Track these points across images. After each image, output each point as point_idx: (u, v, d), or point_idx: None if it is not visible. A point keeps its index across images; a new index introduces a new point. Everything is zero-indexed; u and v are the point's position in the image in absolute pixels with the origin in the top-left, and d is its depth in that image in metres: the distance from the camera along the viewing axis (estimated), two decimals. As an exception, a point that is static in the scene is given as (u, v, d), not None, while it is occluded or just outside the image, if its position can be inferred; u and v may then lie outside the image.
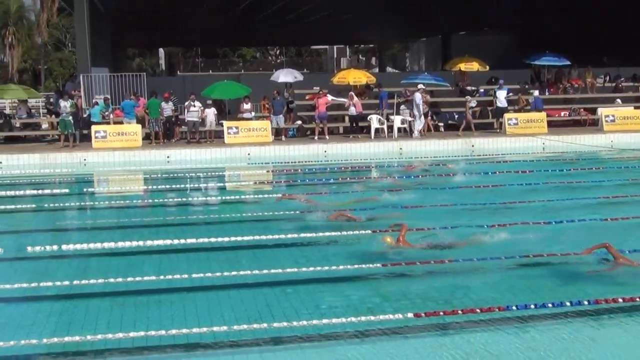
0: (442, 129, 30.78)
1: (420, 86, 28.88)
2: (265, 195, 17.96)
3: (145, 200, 17.98)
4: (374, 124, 28.44)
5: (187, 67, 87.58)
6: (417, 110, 28.04)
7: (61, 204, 17.46)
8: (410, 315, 8.25)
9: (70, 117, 26.32)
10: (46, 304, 9.34)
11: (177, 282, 9.87)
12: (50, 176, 22.58)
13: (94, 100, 28.61)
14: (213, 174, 22.81)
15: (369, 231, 12.51)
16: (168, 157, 25.18)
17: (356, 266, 10.44)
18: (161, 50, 73.66)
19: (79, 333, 7.95)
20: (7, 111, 34.11)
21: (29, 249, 11.89)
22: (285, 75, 31.02)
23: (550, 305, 8.51)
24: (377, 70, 65.48)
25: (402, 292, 9.48)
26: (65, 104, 26.32)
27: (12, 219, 15.65)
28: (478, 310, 8.36)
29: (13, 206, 16.56)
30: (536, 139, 27.69)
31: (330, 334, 7.91)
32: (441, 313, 8.32)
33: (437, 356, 7.33)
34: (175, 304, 9.10)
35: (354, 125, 29.03)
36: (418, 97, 28.00)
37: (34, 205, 17.12)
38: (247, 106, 28.62)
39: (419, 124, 28.14)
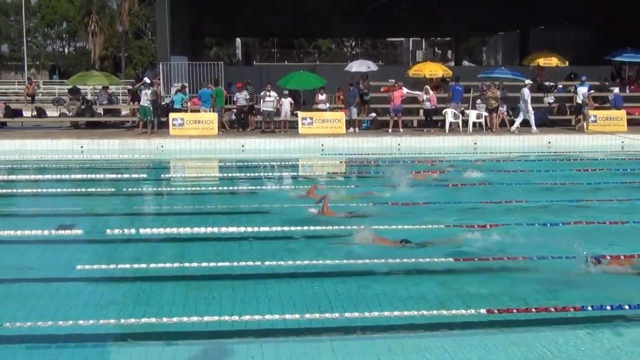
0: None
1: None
2: (336, 187, 17.96)
3: (220, 188, 18.22)
4: (449, 118, 28.27)
5: (262, 57, 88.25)
6: (524, 105, 27.87)
7: (138, 189, 17.87)
8: (482, 311, 8.23)
9: (150, 105, 26.87)
10: (124, 286, 9.64)
11: (249, 269, 10.04)
12: (128, 161, 23.11)
13: (174, 88, 29.10)
14: (286, 163, 22.97)
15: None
16: (243, 146, 25.48)
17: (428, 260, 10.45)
18: (238, 40, 74.31)
19: (154, 315, 8.20)
20: (89, 97, 34.95)
21: (108, 231, 12.24)
22: (359, 66, 31.05)
23: (627, 307, 8.38)
24: (453, 63, 64.87)
25: (478, 288, 9.40)
26: (146, 92, 26.89)
27: (92, 202, 16.08)
28: (552, 309, 8.29)
29: (93, 189, 17.02)
30: (615, 137, 27.13)
31: (400, 326, 7.96)
32: (514, 310, 8.27)
33: (508, 354, 7.32)
34: (249, 289, 9.25)
35: (429, 118, 28.88)
36: (526, 92, 27.85)
37: (113, 189, 17.56)
38: (322, 97, 28.74)
39: (521, 119, 27.97)
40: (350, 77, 30.00)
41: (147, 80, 28.02)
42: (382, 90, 30.50)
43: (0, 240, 11.93)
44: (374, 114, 30.01)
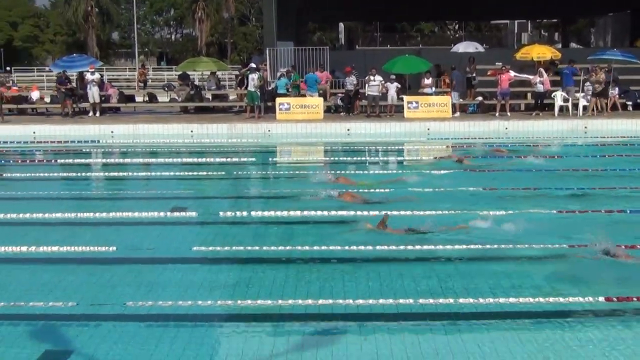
0: (630, 107, 29.42)
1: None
2: (441, 171, 17.80)
3: (325, 172, 18.25)
4: (558, 101, 27.60)
5: (365, 41, 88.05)
6: None
7: (247, 173, 18.15)
8: (601, 299, 8.04)
9: (257, 90, 27.22)
10: (237, 267, 9.83)
11: (360, 253, 10.08)
12: (236, 146, 23.50)
13: (279, 73, 29.40)
14: (392, 147, 22.89)
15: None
16: (348, 130, 25.55)
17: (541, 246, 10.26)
18: (341, 24, 74.34)
19: (268, 297, 8.34)
20: (197, 83, 35.67)
21: (221, 213, 12.50)
22: (465, 47, 30.71)
23: None
24: (560, 46, 63.18)
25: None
26: (253, 77, 27.25)
27: (204, 185, 16.43)
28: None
29: (204, 173, 17.40)
30: None
31: (511, 313, 7.88)
32: (634, 299, 8.06)
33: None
34: (359, 275, 9.29)
35: (539, 102, 28.25)
36: None
37: (223, 173, 17.90)
38: (427, 81, 28.51)
39: None
40: (457, 60, 29.62)
41: (252, 65, 28.39)
42: (488, 73, 30.02)
43: (120, 221, 12.35)
44: (480, 98, 29.59)
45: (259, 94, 27.32)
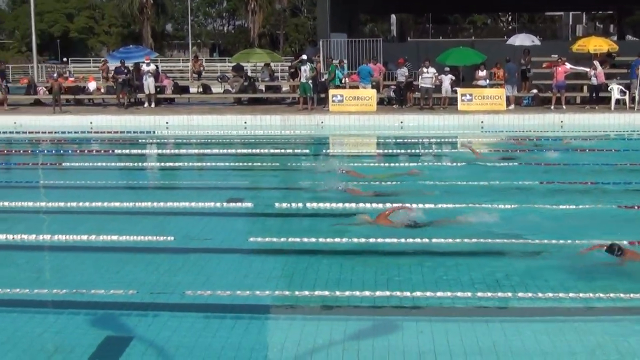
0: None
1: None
2: (496, 164, 17.64)
3: (379, 164, 18.21)
4: (615, 94, 27.12)
5: (417, 33, 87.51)
6: None
7: (300, 164, 18.17)
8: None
9: (310, 81, 27.27)
10: (293, 258, 9.89)
11: (414, 246, 10.06)
12: (289, 137, 23.57)
13: (333, 65, 29.36)
14: (445, 140, 22.71)
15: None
16: (401, 122, 25.44)
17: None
18: (393, 16, 73.97)
19: (324, 288, 8.37)
20: (250, 74, 35.81)
21: (277, 204, 12.57)
22: (522, 39, 30.28)
23: None
24: (615, 38, 62.06)
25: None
26: (305, 68, 27.31)
27: (258, 176, 16.50)
28: None
29: (259, 164, 17.52)
30: None
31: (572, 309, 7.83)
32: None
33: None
34: (414, 267, 9.27)
35: (594, 95, 27.80)
36: None
37: (277, 164, 17.98)
38: (482, 73, 28.25)
39: None
40: (511, 52, 29.27)
41: (304, 57, 28.44)
42: (544, 65, 29.61)
43: (177, 211, 12.48)
44: (535, 91, 29.22)
45: (311, 85, 27.35)
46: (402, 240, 10.23)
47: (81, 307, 7.97)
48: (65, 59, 51.16)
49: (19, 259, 10.19)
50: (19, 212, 12.91)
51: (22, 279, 9.06)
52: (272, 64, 34.78)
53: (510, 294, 8.13)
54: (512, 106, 27.44)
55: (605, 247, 9.19)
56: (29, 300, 8.24)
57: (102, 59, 40.97)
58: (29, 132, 24.65)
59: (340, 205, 12.54)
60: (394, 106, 28.26)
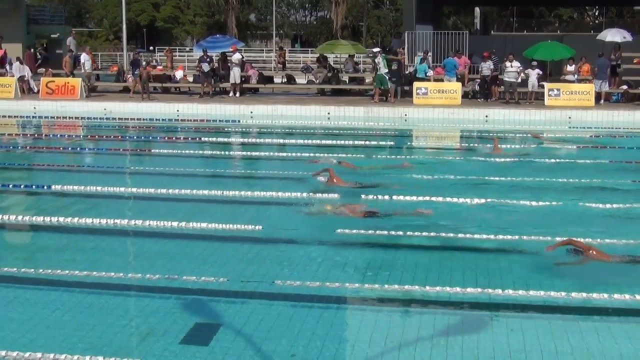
0: None
1: None
2: (580, 161, 17.26)
3: (463, 158, 18.01)
4: None
5: (500, 26, 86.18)
6: None
7: (384, 156, 18.08)
8: None
9: (386, 73, 27.14)
10: (380, 251, 9.83)
11: (504, 243, 9.92)
12: (372, 129, 23.50)
13: (418, 57, 29.22)
14: (527, 135, 22.24)
15: None
16: (486, 116, 25.12)
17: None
18: (477, 8, 73.04)
19: (412, 282, 8.35)
20: (333, 65, 35.87)
21: (362, 196, 12.56)
22: (613, 35, 29.46)
23: None
24: None
25: None
26: (378, 60, 27.25)
27: (338, 167, 16.38)
28: None
29: (343, 155, 17.50)
30: None
31: None
32: None
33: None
34: (505, 264, 9.14)
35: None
36: None
37: (362, 155, 17.94)
38: (570, 68, 27.72)
39: None
40: (600, 48, 28.58)
41: (377, 49, 28.34)
42: (635, 61, 28.86)
43: (263, 200, 12.58)
44: (625, 87, 28.47)
45: (387, 77, 27.19)
46: (492, 236, 10.09)
47: (172, 293, 8.11)
48: (151, 48, 52.11)
49: (111, 243, 10.44)
50: (109, 198, 13.23)
51: (115, 263, 9.28)
52: (355, 56, 34.76)
53: (606, 296, 7.95)
54: (602, 102, 26.80)
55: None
56: (122, 284, 8.42)
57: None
58: (118, 119, 25.20)
59: (427, 198, 12.47)
60: (479, 100, 27.93)
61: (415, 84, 27.30)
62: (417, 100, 26.85)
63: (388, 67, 27.15)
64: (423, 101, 26.69)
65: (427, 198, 12.44)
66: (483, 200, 12.34)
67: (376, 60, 27.58)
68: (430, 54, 29.72)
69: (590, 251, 9.21)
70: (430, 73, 28.71)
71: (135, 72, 28.62)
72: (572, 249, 9.31)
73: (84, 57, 29.44)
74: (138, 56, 30.92)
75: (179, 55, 55.58)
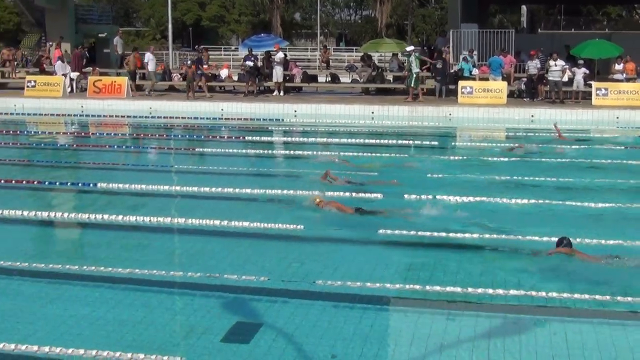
0: None
1: None
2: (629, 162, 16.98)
3: (508, 159, 17.78)
4: None
5: (547, 25, 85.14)
6: None
7: (429, 156, 17.94)
8: None
9: (416, 73, 27.09)
10: (422, 251, 9.80)
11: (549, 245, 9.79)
12: (416, 128, 23.39)
13: (462, 56, 29.03)
14: (576, 135, 21.94)
15: None
16: (532, 116, 24.82)
17: None
18: (524, 7, 72.28)
19: (455, 283, 8.28)
20: (377, 64, 35.74)
21: (406, 196, 12.52)
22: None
23: None
24: None
25: None
26: (411, 60, 27.21)
27: (382, 167, 16.29)
28: None
29: (386, 154, 17.48)
30: None
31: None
32: None
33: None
34: (548, 266, 9.02)
35: None
36: None
37: (405, 155, 17.87)
38: (618, 67, 27.26)
39: None
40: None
41: (408, 48, 28.25)
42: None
43: (305, 200, 12.53)
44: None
45: (415, 76, 27.17)
46: (536, 238, 9.98)
47: (213, 291, 8.16)
48: (197, 47, 52.49)
49: (154, 240, 10.55)
50: (152, 196, 13.36)
51: (158, 260, 9.37)
52: (400, 55, 34.61)
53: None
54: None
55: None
56: (165, 282, 8.49)
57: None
58: (163, 117, 25.43)
59: (472, 198, 12.38)
60: (525, 99, 27.63)
61: (461, 83, 27.12)
62: (462, 99, 26.66)
63: (434, 67, 27.01)
64: (468, 100, 26.49)
65: (470, 198, 12.36)
66: (526, 201, 12.20)
67: (409, 59, 27.50)
68: (475, 52, 29.48)
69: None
70: (476, 72, 28.49)
71: (199, 71, 28.88)
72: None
73: (148, 57, 29.68)
74: (201, 54, 31.12)
75: (224, 54, 55.93)
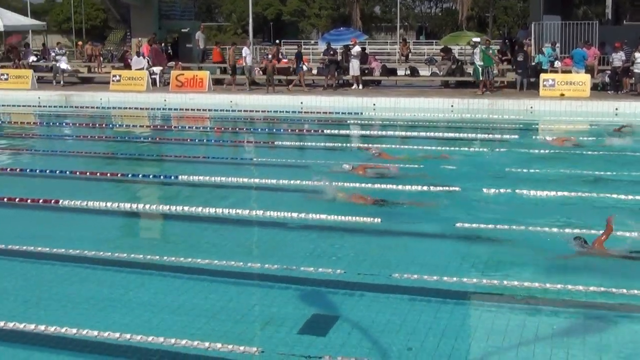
0: None
1: None
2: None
3: (590, 152, 17.39)
4: None
5: (634, 16, 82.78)
6: None
7: (508, 149, 17.65)
8: None
9: (480, 65, 26.78)
10: (490, 246, 9.66)
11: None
12: (496, 121, 23.06)
13: (545, 48, 28.48)
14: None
15: None
16: (616, 109, 24.17)
17: None
18: (610, -3, 70.53)
19: (524, 278, 8.18)
20: (457, 57, 35.38)
21: (484, 190, 12.40)
22: None
23: None
24: None
25: None
26: (476, 52, 26.82)
27: (462, 160, 16.11)
28: None
29: (466, 148, 17.27)
30: None
31: None
32: None
33: None
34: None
35: None
36: None
37: (485, 149, 17.65)
38: None
39: None
40: None
41: (475, 39, 27.82)
42: None
43: (383, 192, 12.51)
44: None
45: (480, 69, 26.87)
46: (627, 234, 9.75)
47: (291, 283, 8.24)
48: (277, 41, 52.89)
49: (233, 232, 10.71)
50: (232, 188, 13.54)
51: (237, 251, 9.52)
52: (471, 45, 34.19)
53: None
54: None
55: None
56: (243, 273, 8.61)
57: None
58: (243, 111, 25.71)
59: (553, 193, 12.18)
60: (609, 92, 26.94)
61: (542, 76, 26.61)
62: (543, 92, 26.17)
63: (515, 60, 26.62)
64: (550, 93, 25.98)
65: (552, 193, 12.17)
66: (616, 196, 11.93)
67: (473, 52, 27.14)
68: (558, 44, 28.88)
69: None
70: (558, 64, 27.92)
71: (300, 66, 29.19)
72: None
73: (245, 51, 29.94)
74: (301, 49, 31.31)
75: (304, 49, 56.15)
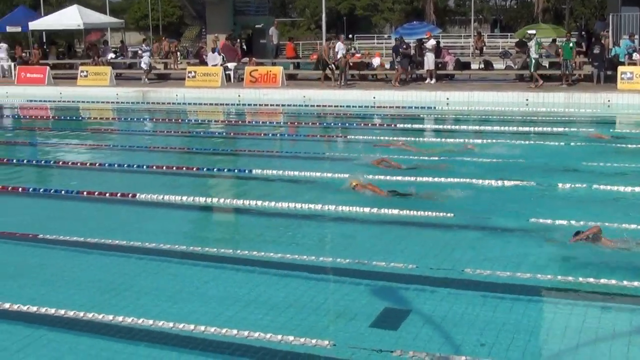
0: None
1: None
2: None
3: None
4: None
5: None
6: None
7: (585, 144, 17.32)
8: None
9: (536, 58, 26.44)
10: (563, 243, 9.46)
11: None
12: (572, 115, 22.63)
13: (622, 40, 27.81)
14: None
15: None
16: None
17: None
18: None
19: (605, 276, 8.00)
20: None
21: (559, 185, 12.20)
22: None
23: None
24: None
25: None
26: (531, 44, 26.42)
27: (534, 155, 15.84)
28: None
29: (540, 142, 16.95)
30: None
31: None
32: None
33: None
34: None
35: None
36: None
37: (562, 144, 17.30)
38: None
39: None
40: None
41: (530, 31, 27.24)
42: None
43: (455, 186, 12.40)
44: None
45: (534, 61, 26.49)
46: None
47: (362, 277, 8.25)
48: (350, 36, 52.93)
49: (305, 226, 10.77)
50: (304, 182, 13.61)
51: (309, 245, 9.60)
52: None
53: None
54: None
55: None
56: (315, 267, 8.67)
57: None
58: (317, 105, 25.82)
59: (624, 188, 11.92)
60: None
61: (620, 69, 26.00)
62: (621, 85, 25.56)
63: (591, 52, 26.07)
64: (628, 86, 25.36)
65: (627, 188, 11.91)
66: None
67: (529, 44, 26.65)
68: (636, 36, 28.14)
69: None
70: (637, 57, 27.22)
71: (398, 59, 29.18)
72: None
73: (339, 46, 30.00)
74: (398, 42, 31.10)
75: (377, 43, 56.08)
